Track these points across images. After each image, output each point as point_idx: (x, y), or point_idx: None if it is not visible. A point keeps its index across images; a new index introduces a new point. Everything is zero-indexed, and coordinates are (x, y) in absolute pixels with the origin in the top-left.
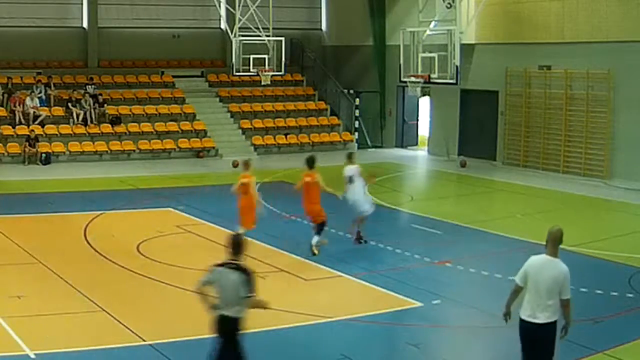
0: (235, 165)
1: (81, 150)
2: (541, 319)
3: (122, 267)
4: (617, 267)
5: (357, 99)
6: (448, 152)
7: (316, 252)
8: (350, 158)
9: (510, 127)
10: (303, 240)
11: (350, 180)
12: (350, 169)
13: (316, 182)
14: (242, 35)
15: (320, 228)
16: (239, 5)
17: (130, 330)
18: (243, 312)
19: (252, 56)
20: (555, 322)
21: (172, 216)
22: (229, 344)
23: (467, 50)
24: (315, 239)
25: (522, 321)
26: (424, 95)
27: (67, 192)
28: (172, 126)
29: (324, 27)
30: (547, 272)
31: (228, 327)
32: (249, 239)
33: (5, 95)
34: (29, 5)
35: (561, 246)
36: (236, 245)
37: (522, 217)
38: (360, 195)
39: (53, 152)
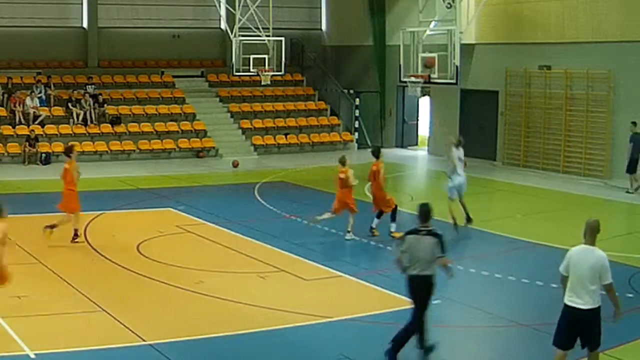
0: (235, 165)
1: (81, 150)
2: (585, 305)
3: (122, 267)
4: (617, 267)
5: (357, 99)
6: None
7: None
8: (459, 141)
9: (510, 127)
10: (303, 241)
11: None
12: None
13: (379, 171)
14: (242, 35)
15: (394, 214)
16: (239, 5)
17: (130, 330)
18: (435, 271)
19: (252, 56)
20: (598, 307)
21: (172, 216)
22: (422, 302)
23: (467, 50)
24: (393, 226)
25: (567, 307)
26: (424, 95)
27: None
28: (172, 126)
29: (324, 27)
30: (586, 260)
31: (424, 285)
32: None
33: (5, 95)
34: (29, 5)
35: (561, 246)
36: (425, 214)
37: (522, 217)
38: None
39: (53, 152)
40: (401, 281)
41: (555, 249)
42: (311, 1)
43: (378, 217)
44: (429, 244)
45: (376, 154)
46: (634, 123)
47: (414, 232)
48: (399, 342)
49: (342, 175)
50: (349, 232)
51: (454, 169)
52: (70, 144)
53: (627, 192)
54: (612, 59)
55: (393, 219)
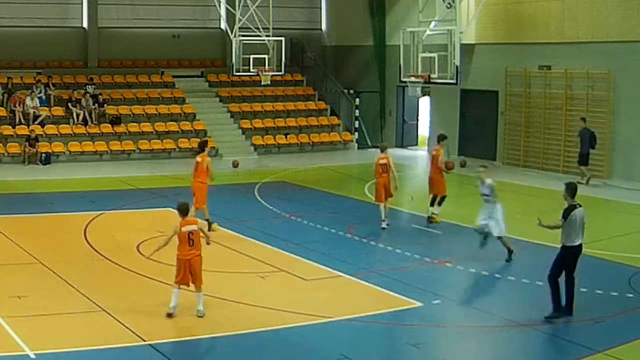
0: (235, 165)
1: (81, 150)
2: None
3: (122, 267)
4: (617, 267)
5: (357, 99)
6: (448, 152)
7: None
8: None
9: (510, 127)
10: (303, 240)
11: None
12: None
13: (439, 156)
14: (242, 35)
15: (442, 200)
16: (239, 5)
17: (130, 330)
18: None
19: (252, 56)
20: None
21: (172, 216)
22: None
23: (467, 50)
24: (437, 209)
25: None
26: (424, 95)
27: (67, 192)
28: (172, 126)
29: (324, 27)
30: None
31: (581, 252)
32: None
33: (5, 95)
34: (29, 5)
35: None
36: (573, 190)
37: (522, 217)
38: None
39: (53, 152)
40: (401, 281)
41: (555, 249)
42: (311, 1)
43: (432, 204)
44: (583, 216)
45: (441, 138)
46: (584, 119)
47: (576, 206)
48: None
49: (383, 162)
50: (383, 220)
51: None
52: (204, 138)
53: (578, 182)
54: (612, 59)
55: (440, 203)
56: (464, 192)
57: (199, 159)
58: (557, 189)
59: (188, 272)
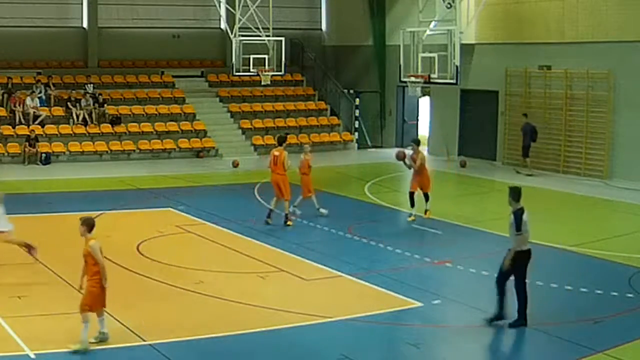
0: (235, 165)
1: (81, 150)
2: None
3: (122, 267)
4: (617, 267)
5: (357, 99)
6: (448, 152)
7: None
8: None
9: (510, 127)
10: (303, 240)
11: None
12: None
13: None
14: (242, 35)
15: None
16: (239, 5)
17: (130, 330)
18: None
19: (252, 56)
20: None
21: (172, 216)
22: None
23: (467, 50)
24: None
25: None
26: (424, 95)
27: (67, 192)
28: (172, 126)
29: (324, 27)
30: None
31: (530, 257)
32: None
33: (5, 95)
34: (29, 5)
35: (561, 246)
36: (518, 194)
37: None
38: None
39: (53, 152)
40: (401, 281)
41: (555, 249)
42: (311, 1)
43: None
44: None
45: (416, 143)
46: (525, 115)
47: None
48: None
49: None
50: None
51: None
52: (285, 133)
53: (517, 172)
54: (612, 59)
55: (426, 198)
56: (463, 192)
57: (276, 152)
58: (557, 189)
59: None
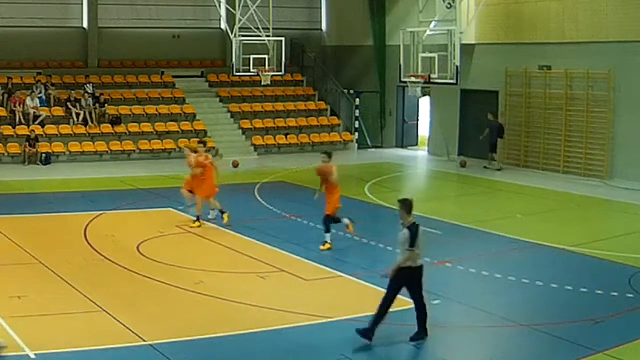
0: (235, 165)
1: (81, 150)
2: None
3: (122, 267)
4: (617, 267)
5: (357, 99)
6: (448, 152)
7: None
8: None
9: (510, 127)
10: (303, 240)
11: None
12: None
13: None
14: (242, 35)
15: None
16: (239, 5)
17: (130, 330)
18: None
19: (252, 56)
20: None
21: (172, 216)
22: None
23: (467, 50)
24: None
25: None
26: (424, 95)
27: (67, 192)
28: (172, 126)
29: (324, 27)
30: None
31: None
32: None
33: (5, 95)
34: (29, 5)
35: (561, 246)
36: (409, 207)
37: (522, 217)
38: None
39: (53, 152)
40: None
41: (555, 249)
42: (311, 1)
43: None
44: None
45: (329, 156)
46: (493, 113)
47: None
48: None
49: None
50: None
51: None
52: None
53: (485, 167)
54: (612, 59)
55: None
56: (463, 192)
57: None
58: (557, 189)
59: None
